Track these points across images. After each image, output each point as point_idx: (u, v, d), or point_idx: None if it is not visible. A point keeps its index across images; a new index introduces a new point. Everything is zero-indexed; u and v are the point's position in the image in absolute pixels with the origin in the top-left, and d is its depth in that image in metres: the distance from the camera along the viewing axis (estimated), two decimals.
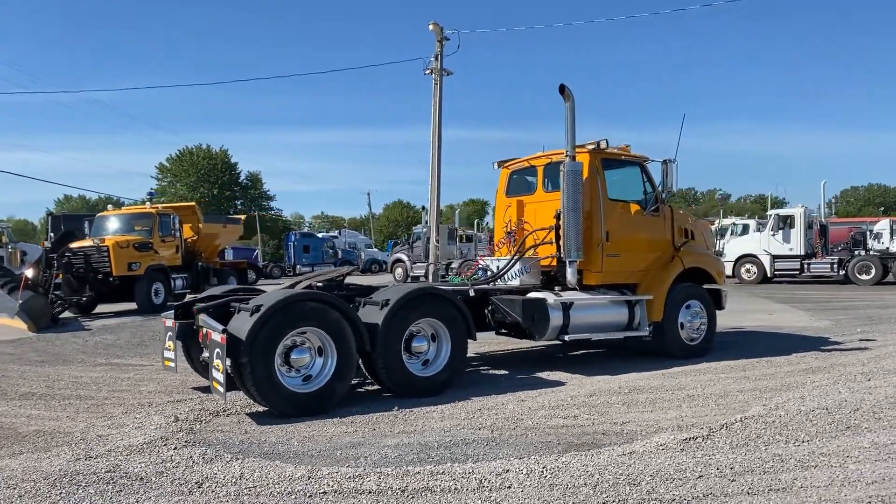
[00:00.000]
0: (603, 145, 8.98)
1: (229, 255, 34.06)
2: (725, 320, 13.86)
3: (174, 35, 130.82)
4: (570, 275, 8.71)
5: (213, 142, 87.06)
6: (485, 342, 11.06)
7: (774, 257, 26.00)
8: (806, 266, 25.65)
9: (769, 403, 6.66)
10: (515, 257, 9.05)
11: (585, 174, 8.86)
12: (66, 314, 17.38)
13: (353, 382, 7.95)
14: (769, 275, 26.12)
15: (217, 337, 6.26)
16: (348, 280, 8.50)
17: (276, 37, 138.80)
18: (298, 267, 45.89)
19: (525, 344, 10.82)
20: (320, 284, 7.57)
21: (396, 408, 6.73)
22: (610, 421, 6.21)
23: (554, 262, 9.06)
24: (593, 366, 9.17)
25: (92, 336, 13.52)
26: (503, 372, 8.84)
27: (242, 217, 26.43)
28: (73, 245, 18.08)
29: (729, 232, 30.66)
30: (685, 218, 10.08)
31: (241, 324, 6.40)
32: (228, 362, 6.33)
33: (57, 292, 16.71)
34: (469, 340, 7.82)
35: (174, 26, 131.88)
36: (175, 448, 5.43)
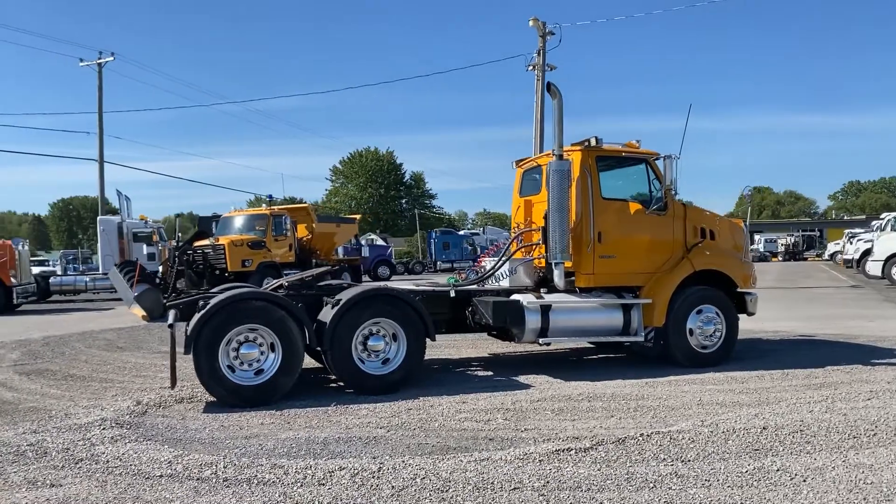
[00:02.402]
0: (593, 143, 8.63)
1: (365, 252, 36.02)
2: (803, 326, 12.72)
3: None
4: (557, 276, 8.49)
5: (379, 144, 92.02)
6: (504, 344, 10.99)
7: None
8: None
9: (708, 419, 6.16)
10: (503, 258, 8.98)
11: (576, 173, 8.58)
12: None
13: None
14: None
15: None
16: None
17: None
18: (439, 263, 47.39)
19: (540, 348, 10.58)
20: (287, 284, 8.05)
21: (334, 404, 7.04)
22: (517, 428, 6.09)
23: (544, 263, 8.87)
24: (584, 370, 8.86)
25: (188, 326, 15.06)
26: (488, 373, 8.82)
27: (357, 217, 27.91)
28: (196, 243, 20.23)
29: (889, 226, 27.29)
30: (706, 217, 9.35)
31: (193, 320, 7.05)
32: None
33: (178, 286, 18.79)
34: (428, 340, 7.87)
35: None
36: (102, 429, 6.16)
